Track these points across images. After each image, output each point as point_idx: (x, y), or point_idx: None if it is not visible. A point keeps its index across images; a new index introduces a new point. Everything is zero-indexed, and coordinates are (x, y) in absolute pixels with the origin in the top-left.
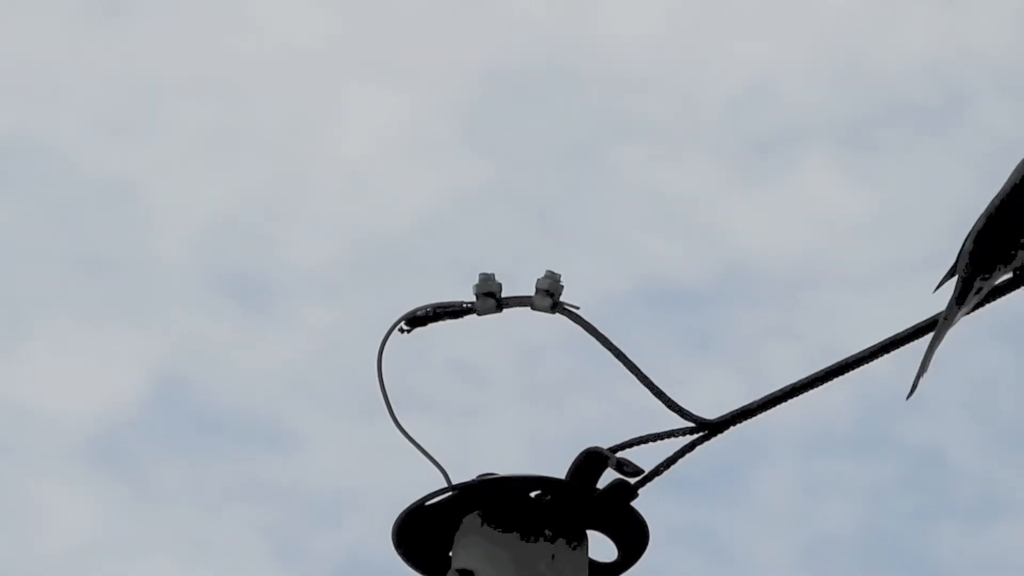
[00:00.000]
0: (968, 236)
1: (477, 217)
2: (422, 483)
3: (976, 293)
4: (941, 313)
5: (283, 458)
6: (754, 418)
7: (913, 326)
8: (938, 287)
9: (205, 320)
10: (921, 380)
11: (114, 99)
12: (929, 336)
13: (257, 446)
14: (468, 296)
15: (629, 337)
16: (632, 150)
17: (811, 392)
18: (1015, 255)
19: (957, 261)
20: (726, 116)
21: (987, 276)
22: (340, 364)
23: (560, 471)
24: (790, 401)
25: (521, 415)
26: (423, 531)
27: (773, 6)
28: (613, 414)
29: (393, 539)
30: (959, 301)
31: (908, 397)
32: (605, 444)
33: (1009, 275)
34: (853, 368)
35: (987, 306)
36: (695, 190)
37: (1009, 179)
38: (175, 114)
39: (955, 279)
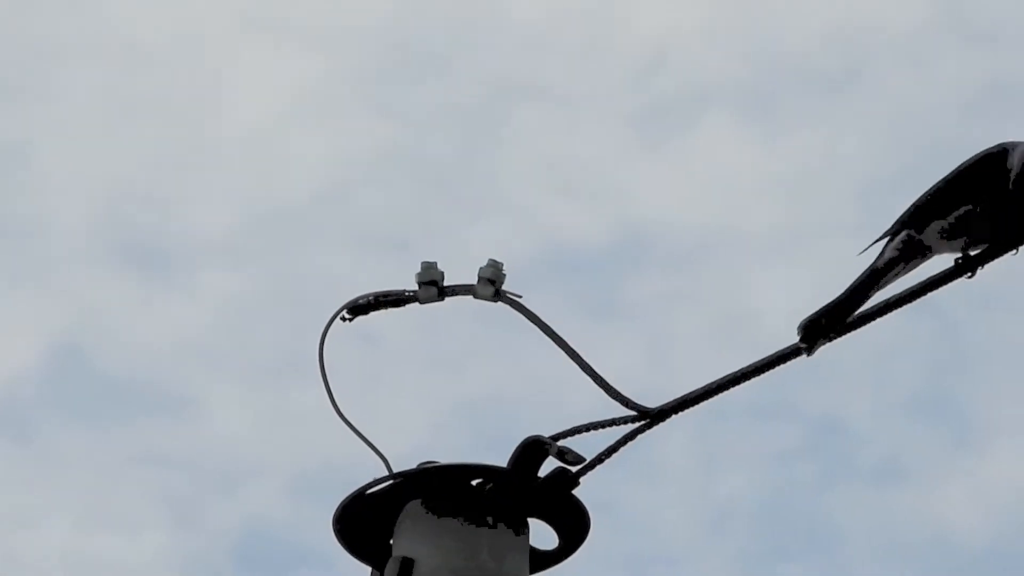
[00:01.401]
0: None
1: (376, 182)
2: (323, 451)
3: (899, 249)
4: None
5: (182, 425)
6: (696, 406)
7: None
8: (865, 249)
9: (103, 287)
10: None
11: (7, 62)
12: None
13: (156, 413)
14: (410, 284)
15: (530, 302)
16: (532, 114)
17: (712, 356)
18: (951, 230)
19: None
20: (628, 80)
21: (916, 236)
22: (240, 331)
23: (502, 459)
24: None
25: (461, 403)
26: (364, 519)
27: None
28: (554, 402)
29: (334, 527)
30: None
31: (809, 354)
32: (546, 432)
33: (951, 264)
34: (790, 358)
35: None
36: (596, 154)
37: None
38: (70, 78)
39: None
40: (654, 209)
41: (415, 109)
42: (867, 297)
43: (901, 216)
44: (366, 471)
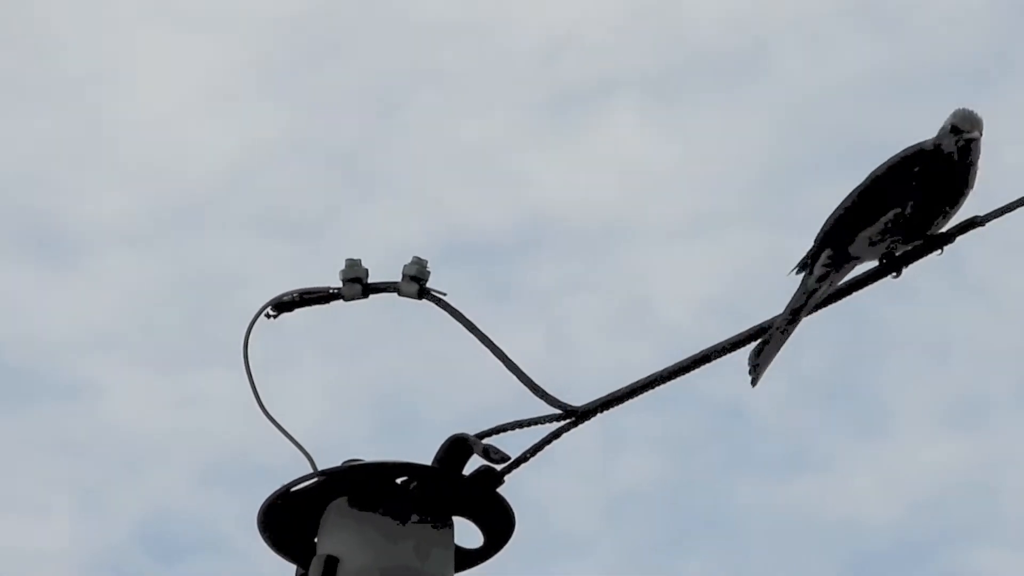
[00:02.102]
0: (827, 220)
1: (277, 168)
2: (229, 439)
3: (827, 267)
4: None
5: (86, 412)
6: (620, 405)
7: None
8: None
9: (3, 274)
10: (763, 371)
11: None
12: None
13: (60, 400)
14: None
15: (429, 286)
16: (434, 99)
17: (613, 343)
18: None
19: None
20: (531, 66)
21: (837, 258)
22: (143, 318)
23: (426, 457)
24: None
25: (383, 399)
26: (288, 517)
27: None
28: (480, 400)
29: (258, 525)
30: (808, 273)
31: (753, 384)
32: (472, 430)
33: (875, 262)
34: (719, 356)
35: (789, 269)
36: (498, 140)
37: (872, 172)
38: None
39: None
40: (556, 196)
41: (316, 95)
42: (804, 315)
43: (826, 228)
44: (274, 459)
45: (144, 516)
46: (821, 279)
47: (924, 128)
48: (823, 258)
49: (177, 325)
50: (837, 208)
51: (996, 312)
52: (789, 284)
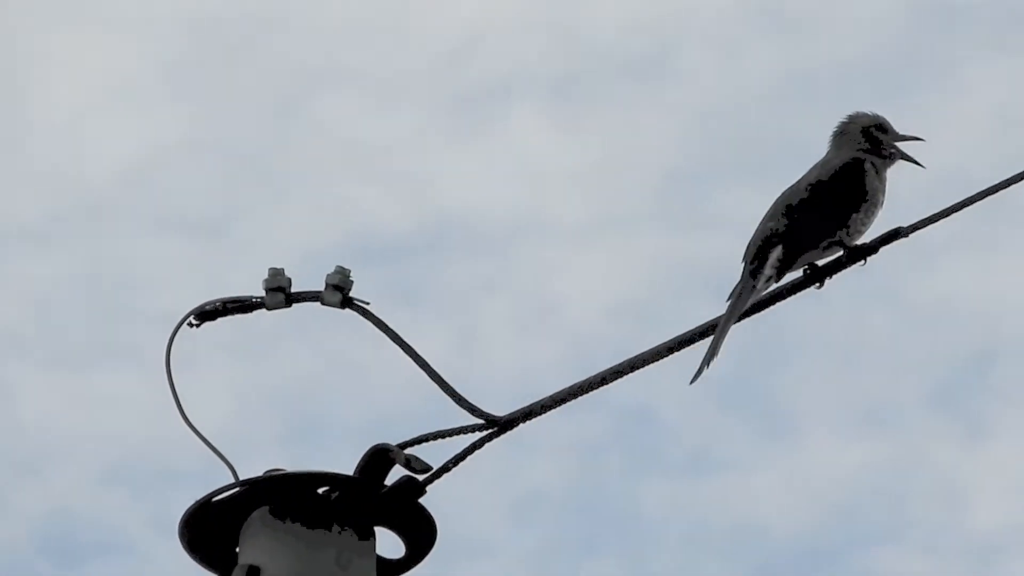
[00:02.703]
0: (756, 234)
1: (182, 167)
2: (130, 438)
3: (766, 281)
4: (731, 304)
5: None
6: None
7: (699, 326)
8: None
9: None
10: (706, 367)
11: None
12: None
13: None
14: (258, 291)
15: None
16: (340, 100)
17: (519, 344)
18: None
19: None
20: (436, 67)
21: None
22: (47, 316)
23: (347, 467)
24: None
25: (304, 408)
26: (210, 526)
27: None
28: (402, 409)
29: (180, 536)
30: (743, 293)
31: (692, 382)
32: (394, 440)
33: (800, 272)
34: (638, 367)
35: (696, 270)
36: (404, 141)
37: (801, 182)
38: None
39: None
40: (462, 196)
41: (220, 96)
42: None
43: (783, 230)
44: (180, 462)
45: (44, 517)
46: (768, 280)
47: (830, 129)
48: (773, 259)
49: (80, 325)
50: (791, 209)
51: (903, 318)
52: (695, 285)
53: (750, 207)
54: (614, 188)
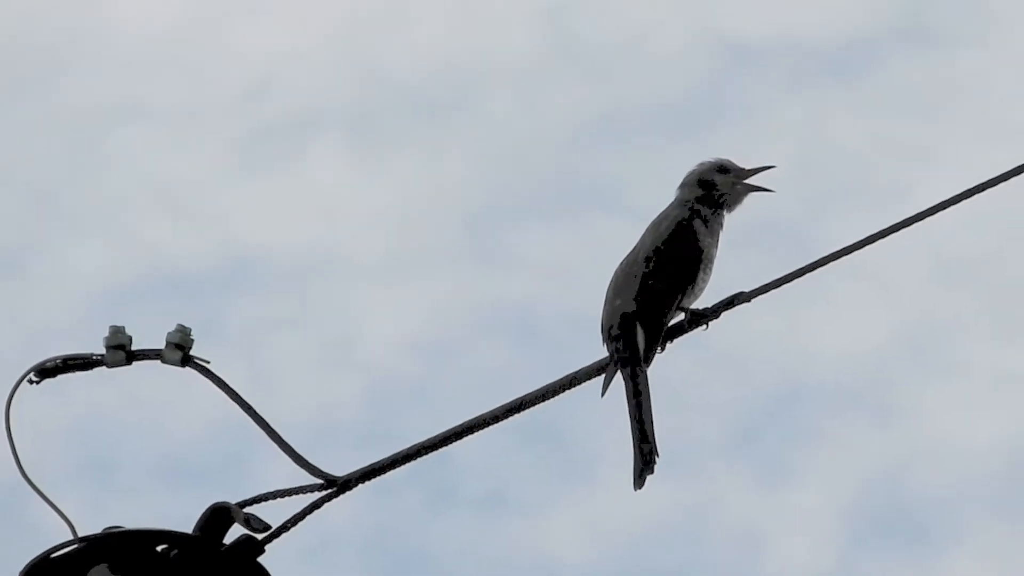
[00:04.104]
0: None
1: None
2: None
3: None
4: (632, 397)
5: None
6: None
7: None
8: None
9: None
10: (651, 472)
11: None
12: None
13: None
14: (98, 349)
15: (133, 326)
16: (137, 134)
17: (316, 381)
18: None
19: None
20: (235, 102)
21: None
22: None
23: (188, 526)
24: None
25: (147, 465)
26: None
27: None
28: (242, 468)
29: None
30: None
31: (638, 488)
32: (234, 499)
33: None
34: (484, 427)
35: (494, 309)
36: (201, 177)
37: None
38: None
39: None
40: (259, 232)
41: (14, 128)
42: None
43: (622, 318)
44: (17, 515)
45: None
46: (649, 359)
47: (632, 171)
48: (641, 341)
49: None
50: (634, 285)
51: (703, 361)
52: (494, 324)
53: (549, 248)
54: (413, 227)
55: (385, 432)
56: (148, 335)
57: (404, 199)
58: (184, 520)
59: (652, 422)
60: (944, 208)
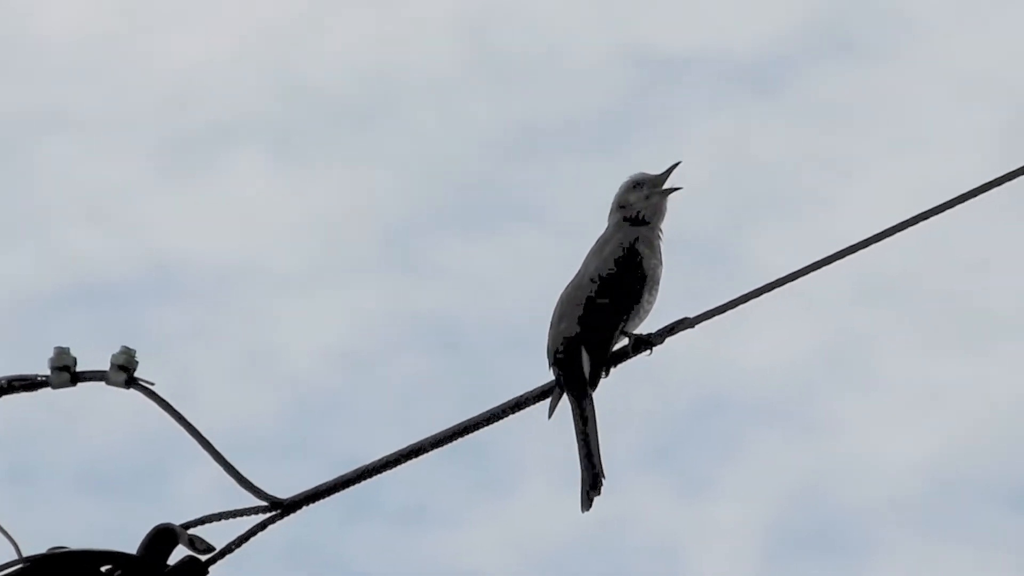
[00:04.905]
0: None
1: None
2: None
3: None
4: (577, 421)
5: None
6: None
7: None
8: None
9: None
10: (597, 493)
11: None
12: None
13: None
14: (43, 370)
15: (54, 334)
16: (60, 143)
17: (236, 393)
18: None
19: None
20: (157, 112)
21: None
22: None
23: (132, 547)
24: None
25: (91, 488)
26: None
27: (204, 5)
28: (187, 490)
29: None
30: (580, 400)
31: (586, 510)
32: (178, 520)
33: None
34: (428, 451)
35: (414, 319)
36: (123, 185)
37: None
38: None
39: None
40: (180, 242)
41: None
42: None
43: (566, 342)
44: None
45: None
46: (596, 385)
47: (553, 183)
48: (587, 367)
49: None
50: (578, 309)
51: (626, 371)
52: (414, 334)
53: (470, 259)
54: (335, 237)
55: (305, 444)
56: (70, 343)
57: (326, 209)
58: (106, 534)
59: (598, 446)
60: (893, 233)
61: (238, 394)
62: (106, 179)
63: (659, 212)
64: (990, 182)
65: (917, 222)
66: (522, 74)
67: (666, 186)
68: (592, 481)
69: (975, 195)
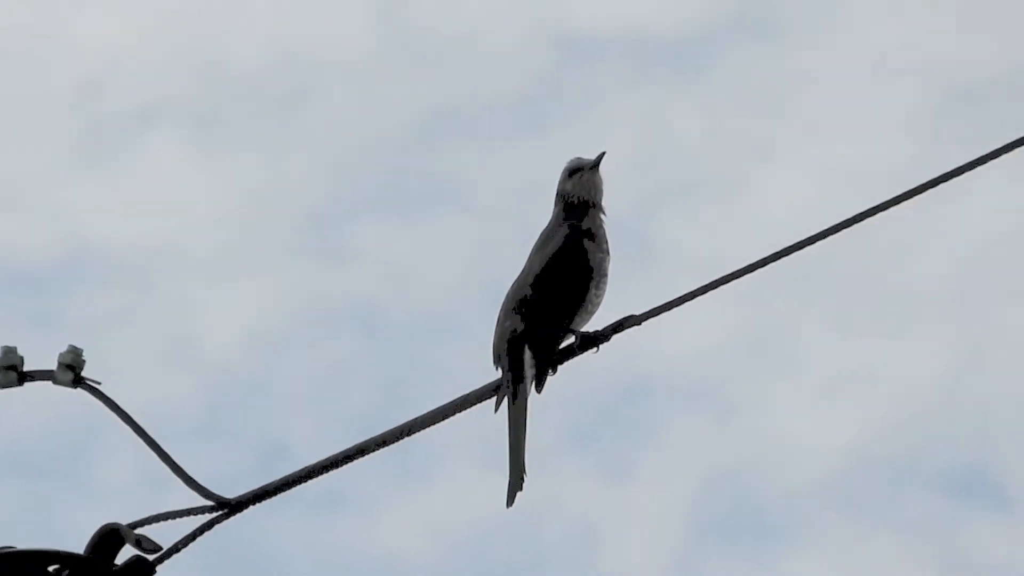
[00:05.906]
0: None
1: None
2: None
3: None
4: (510, 418)
5: None
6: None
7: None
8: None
9: None
10: (520, 489)
11: None
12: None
13: None
14: None
15: None
16: None
17: (154, 377)
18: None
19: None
20: (73, 97)
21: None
22: None
23: (79, 547)
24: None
25: (35, 487)
26: None
27: None
28: (134, 489)
29: None
30: (516, 397)
31: (509, 505)
32: (125, 520)
33: (572, 339)
34: (374, 450)
35: (333, 303)
36: (39, 170)
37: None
38: None
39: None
40: (97, 227)
41: None
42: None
43: (510, 339)
44: None
45: None
46: (532, 383)
47: (472, 166)
48: (528, 364)
49: None
50: (523, 305)
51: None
52: (333, 317)
53: (390, 243)
54: (253, 222)
55: (226, 427)
56: None
57: (244, 193)
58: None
59: (524, 444)
60: (833, 233)
61: (158, 378)
62: (24, 163)
63: (595, 188)
64: (916, 187)
65: (863, 219)
66: (441, 56)
67: (593, 165)
68: (518, 481)
69: (905, 199)
